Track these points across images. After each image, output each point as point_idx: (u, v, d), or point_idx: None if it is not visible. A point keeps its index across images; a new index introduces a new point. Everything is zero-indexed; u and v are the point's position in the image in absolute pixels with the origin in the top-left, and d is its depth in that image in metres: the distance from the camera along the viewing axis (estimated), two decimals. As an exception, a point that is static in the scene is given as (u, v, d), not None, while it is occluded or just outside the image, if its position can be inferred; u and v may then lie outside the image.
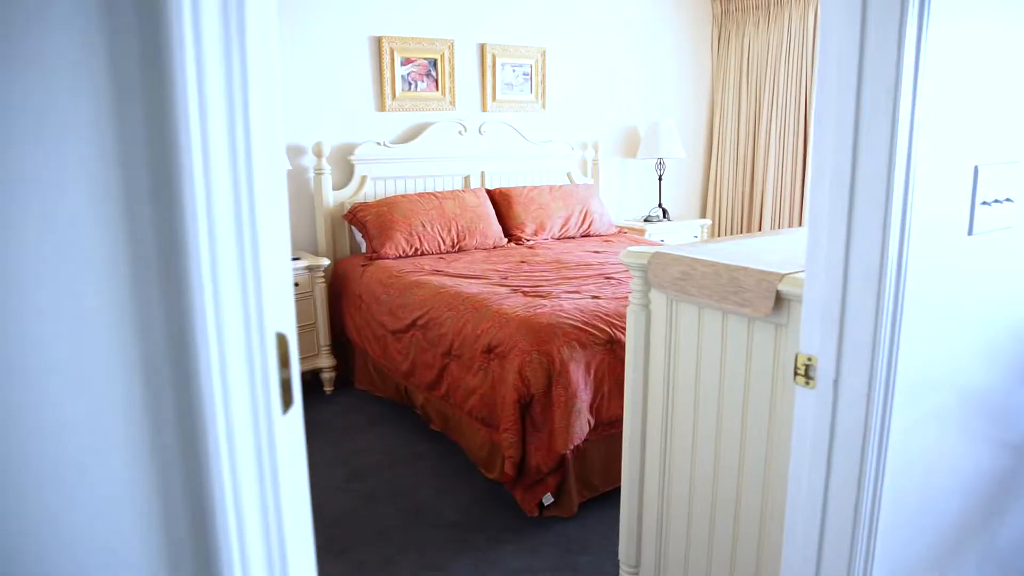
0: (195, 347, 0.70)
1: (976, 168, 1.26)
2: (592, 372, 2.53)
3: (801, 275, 1.34)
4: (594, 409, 2.54)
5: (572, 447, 2.46)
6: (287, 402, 0.77)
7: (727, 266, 1.46)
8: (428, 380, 3.10)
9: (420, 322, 3.17)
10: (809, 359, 1.22)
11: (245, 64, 0.72)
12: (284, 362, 0.76)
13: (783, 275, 1.37)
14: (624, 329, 2.62)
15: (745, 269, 1.42)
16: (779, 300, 1.37)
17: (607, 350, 2.57)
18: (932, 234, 1.19)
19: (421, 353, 3.16)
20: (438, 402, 3.11)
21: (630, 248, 1.69)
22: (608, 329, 2.61)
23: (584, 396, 2.49)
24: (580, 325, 2.58)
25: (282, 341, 0.75)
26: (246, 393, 0.71)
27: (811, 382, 1.23)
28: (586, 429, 2.50)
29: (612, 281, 3.22)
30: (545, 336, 2.51)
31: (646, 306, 1.70)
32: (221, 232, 0.70)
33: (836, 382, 1.20)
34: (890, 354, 1.17)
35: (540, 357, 2.47)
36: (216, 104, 0.71)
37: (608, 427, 2.62)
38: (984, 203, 1.29)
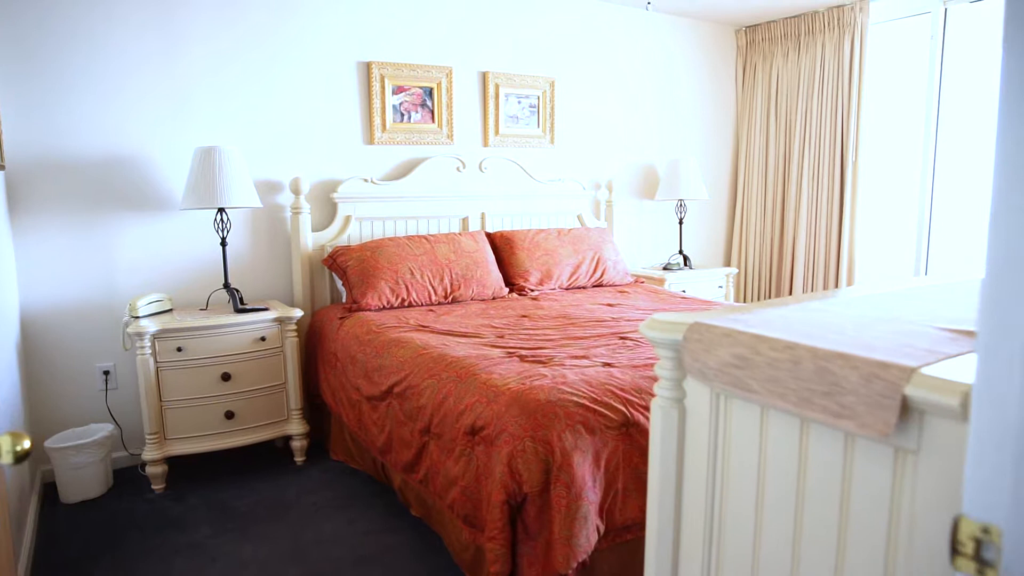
0: None
1: None
2: (602, 465, 1.97)
3: (949, 367, 0.80)
4: (604, 511, 1.98)
5: (576, 564, 1.90)
6: None
7: (813, 350, 0.93)
8: (405, 460, 2.56)
9: (397, 389, 2.64)
10: (986, 530, 0.68)
11: None
12: None
13: (914, 369, 0.83)
14: (645, 409, 2.08)
15: (844, 356, 0.89)
16: (906, 409, 0.83)
17: (621, 435, 2.02)
18: None
19: (398, 427, 2.62)
20: (417, 487, 2.56)
21: (656, 316, 1.15)
22: (623, 408, 2.06)
23: (592, 496, 1.93)
24: (587, 403, 2.03)
25: None
26: None
27: (990, 572, 0.69)
28: (594, 538, 1.94)
29: (628, 343, 2.68)
30: (543, 418, 1.97)
31: (679, 401, 1.16)
32: None
33: (1044, 580, 0.66)
34: None
35: (535, 445, 1.92)
36: None
37: (622, 532, 2.06)
38: None
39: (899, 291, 1.57)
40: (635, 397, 2.11)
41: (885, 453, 0.88)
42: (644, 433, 2.03)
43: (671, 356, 1.14)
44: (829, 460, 0.95)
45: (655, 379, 2.21)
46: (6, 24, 3.00)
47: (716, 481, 1.12)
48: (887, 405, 0.83)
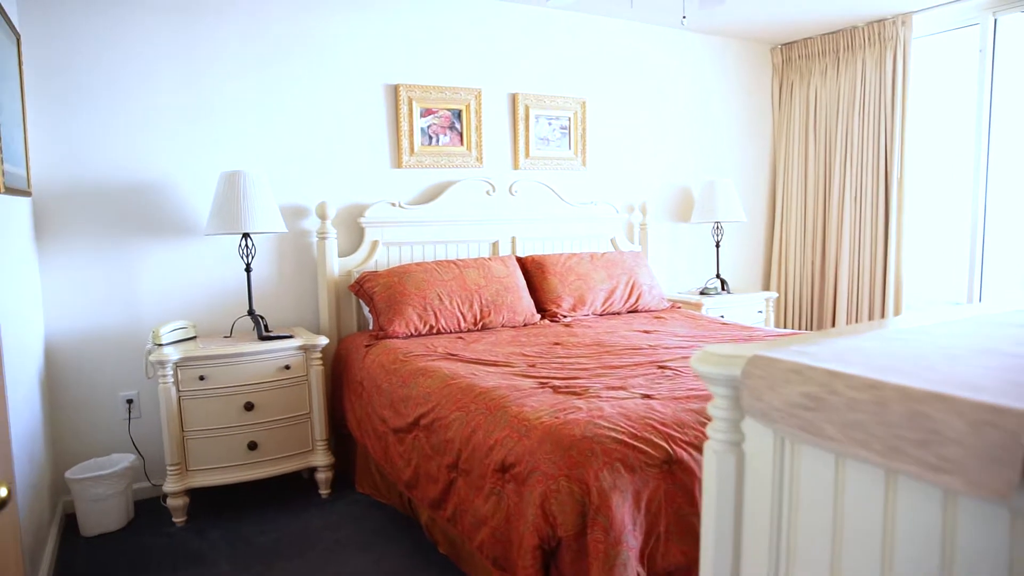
0: None
1: None
2: (643, 506, 1.82)
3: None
4: (645, 557, 1.82)
5: (616, 616, 1.74)
6: None
7: (903, 389, 0.78)
8: (432, 496, 2.43)
9: (424, 421, 2.52)
10: None
11: None
12: None
13: (1036, 417, 0.68)
14: (688, 445, 1.93)
15: (944, 398, 0.75)
16: (1026, 466, 0.69)
17: (663, 473, 1.87)
18: None
19: (424, 461, 2.49)
20: (444, 525, 2.42)
21: (709, 348, 1.01)
22: (664, 444, 1.91)
23: (632, 541, 1.78)
24: (626, 439, 1.89)
25: None
26: None
27: None
28: (635, 588, 1.78)
29: (667, 372, 2.52)
30: (578, 455, 1.83)
31: (737, 445, 1.02)
32: None
33: None
34: None
35: (571, 485, 1.78)
36: None
37: (666, 579, 1.89)
38: None
39: (969, 317, 1.41)
40: (677, 432, 1.96)
41: (1000, 516, 0.73)
42: (688, 471, 1.88)
43: (727, 394, 1.00)
44: (924, 523, 0.80)
45: (699, 412, 2.06)
46: (35, 53, 2.99)
47: (781, 540, 0.97)
48: (1005, 460, 0.69)
